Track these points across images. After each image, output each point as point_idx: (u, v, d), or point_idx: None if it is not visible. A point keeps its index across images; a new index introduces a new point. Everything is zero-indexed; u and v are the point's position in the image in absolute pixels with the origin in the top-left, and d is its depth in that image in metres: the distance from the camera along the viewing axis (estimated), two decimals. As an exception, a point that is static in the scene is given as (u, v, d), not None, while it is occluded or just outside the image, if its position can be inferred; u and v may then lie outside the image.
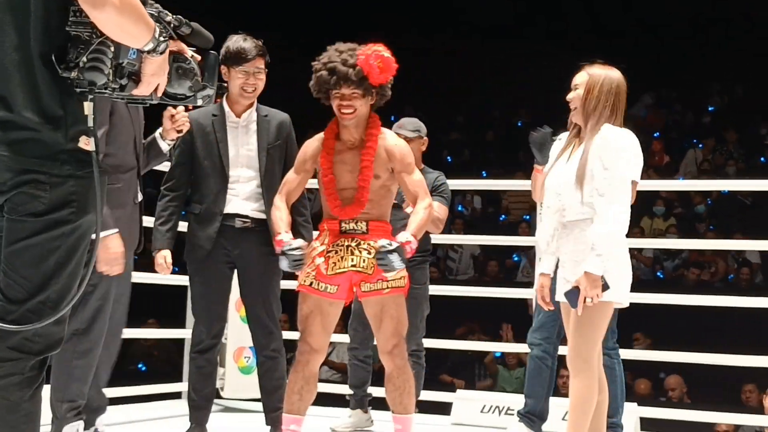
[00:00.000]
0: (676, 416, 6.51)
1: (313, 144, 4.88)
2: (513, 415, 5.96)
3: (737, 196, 13.44)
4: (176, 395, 6.89)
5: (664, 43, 16.68)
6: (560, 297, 4.55)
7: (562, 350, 5.49)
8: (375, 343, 6.01)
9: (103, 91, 2.85)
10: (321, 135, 4.88)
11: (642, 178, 14.14)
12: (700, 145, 14.96)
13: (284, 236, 4.70)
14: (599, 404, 4.56)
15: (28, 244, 2.85)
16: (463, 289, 9.82)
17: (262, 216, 5.17)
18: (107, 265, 4.52)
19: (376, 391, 6.25)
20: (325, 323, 4.77)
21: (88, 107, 2.86)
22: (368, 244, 4.68)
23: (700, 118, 16.19)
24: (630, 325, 9.26)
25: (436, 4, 17.79)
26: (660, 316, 9.73)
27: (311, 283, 4.73)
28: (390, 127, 5.19)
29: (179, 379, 6.93)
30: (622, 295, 4.42)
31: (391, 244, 4.48)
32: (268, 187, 5.17)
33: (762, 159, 14.42)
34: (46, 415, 4.80)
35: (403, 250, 4.50)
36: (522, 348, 6.26)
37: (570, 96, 4.56)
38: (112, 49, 2.82)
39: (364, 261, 4.67)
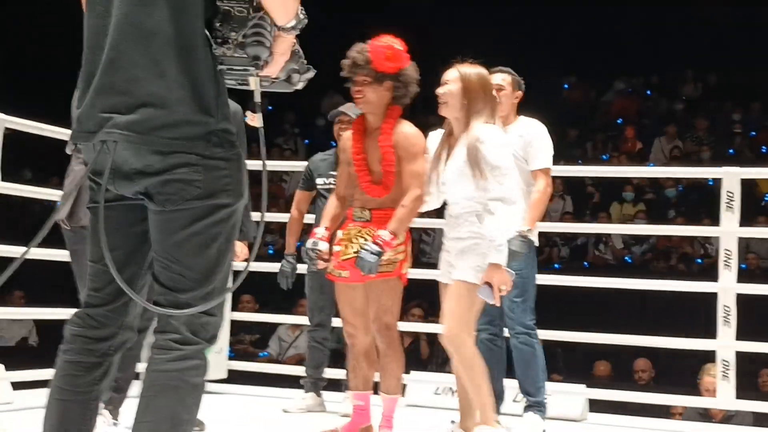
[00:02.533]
0: (626, 398, 6.68)
1: (344, 136, 5.19)
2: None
3: (707, 183, 13.60)
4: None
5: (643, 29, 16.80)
6: (442, 278, 4.82)
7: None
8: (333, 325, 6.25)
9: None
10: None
11: (613, 164, 14.31)
12: (663, 134, 15.12)
13: (317, 230, 5.07)
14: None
15: (190, 233, 2.73)
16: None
17: None
18: None
19: (331, 373, 6.45)
20: (354, 306, 5.01)
21: (254, 82, 2.77)
22: (366, 232, 4.88)
23: (673, 105, 16.32)
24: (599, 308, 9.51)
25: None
26: (629, 300, 9.94)
27: (331, 271, 5.02)
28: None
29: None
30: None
31: (370, 253, 4.68)
32: None
33: (731, 151, 14.52)
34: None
35: (382, 252, 4.71)
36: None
37: (440, 90, 4.77)
38: (270, 24, 2.74)
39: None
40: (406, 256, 4.92)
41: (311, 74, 2.99)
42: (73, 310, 2.93)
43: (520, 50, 14.78)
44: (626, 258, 12.96)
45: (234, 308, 8.59)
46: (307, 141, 16.44)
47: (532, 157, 5.50)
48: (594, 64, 16.38)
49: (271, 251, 13.02)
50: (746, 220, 9.49)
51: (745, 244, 12.49)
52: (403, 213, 4.82)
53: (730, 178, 6.27)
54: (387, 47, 4.89)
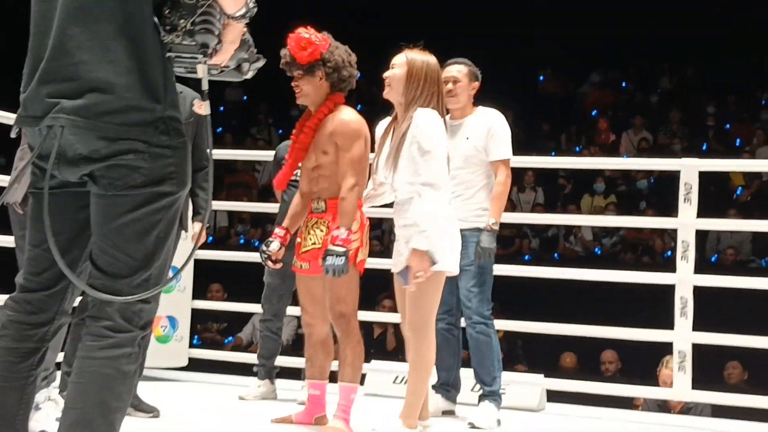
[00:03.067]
0: (584, 389, 6.71)
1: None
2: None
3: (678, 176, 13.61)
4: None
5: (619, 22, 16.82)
6: (394, 267, 4.78)
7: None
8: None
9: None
10: None
11: (584, 155, 14.27)
12: (632, 126, 15.16)
13: (277, 230, 5.08)
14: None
15: (131, 219, 2.72)
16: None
17: None
18: None
19: (284, 362, 6.50)
20: (313, 297, 5.01)
21: (202, 70, 2.78)
22: (323, 222, 4.90)
23: (649, 98, 16.36)
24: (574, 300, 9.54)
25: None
26: (598, 291, 9.96)
27: (294, 263, 5.03)
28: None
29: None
30: (450, 264, 4.64)
31: (336, 256, 4.66)
32: None
33: (704, 146, 14.57)
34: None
35: (347, 250, 4.69)
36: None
37: (387, 74, 4.75)
38: (220, 12, 2.75)
39: (320, 239, 4.87)
40: (360, 243, 4.89)
41: (261, 63, 3.01)
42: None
43: (496, 42, 14.84)
44: (596, 250, 13.00)
45: (203, 297, 8.61)
46: (280, 131, 16.37)
47: (491, 148, 5.51)
48: (570, 56, 16.40)
49: (242, 241, 13.04)
50: (718, 213, 9.54)
51: (716, 237, 12.57)
52: (345, 206, 4.79)
53: (688, 170, 6.29)
54: (298, 39, 4.90)
